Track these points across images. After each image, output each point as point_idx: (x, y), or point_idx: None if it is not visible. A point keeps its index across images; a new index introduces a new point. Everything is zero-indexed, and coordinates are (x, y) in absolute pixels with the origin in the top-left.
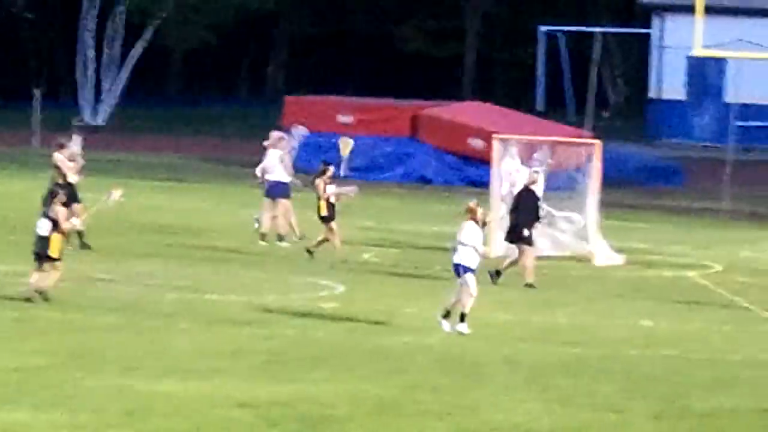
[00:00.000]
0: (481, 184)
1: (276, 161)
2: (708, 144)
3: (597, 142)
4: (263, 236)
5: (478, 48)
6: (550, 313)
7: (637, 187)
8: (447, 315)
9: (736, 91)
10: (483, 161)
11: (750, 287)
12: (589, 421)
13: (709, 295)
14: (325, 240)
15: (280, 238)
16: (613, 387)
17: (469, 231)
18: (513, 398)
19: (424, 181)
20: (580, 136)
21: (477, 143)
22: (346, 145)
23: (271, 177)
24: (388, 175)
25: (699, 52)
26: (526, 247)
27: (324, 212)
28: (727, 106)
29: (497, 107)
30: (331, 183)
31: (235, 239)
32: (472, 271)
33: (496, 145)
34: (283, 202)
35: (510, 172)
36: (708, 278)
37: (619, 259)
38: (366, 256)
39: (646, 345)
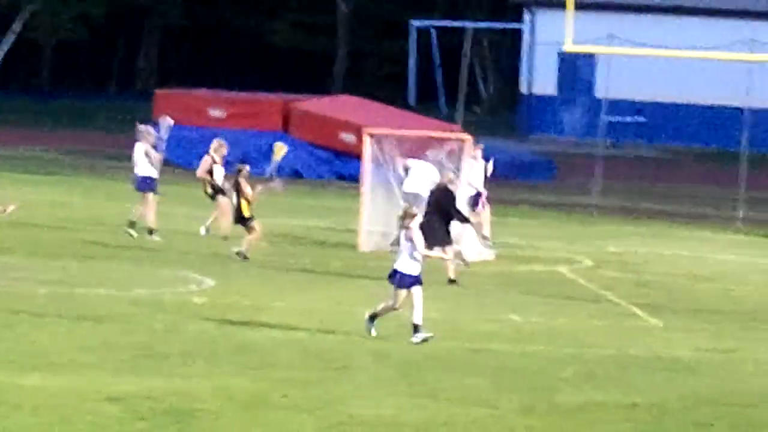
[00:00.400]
0: (353, 178)
1: (141, 155)
2: (579, 139)
3: (467, 136)
4: (150, 231)
5: (350, 42)
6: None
7: (508, 182)
8: (374, 318)
9: (606, 87)
10: (354, 156)
11: (619, 282)
12: (459, 415)
13: (578, 289)
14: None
15: (150, 231)
16: (483, 381)
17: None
18: (381, 392)
19: (296, 175)
20: (451, 131)
21: (348, 138)
22: (279, 150)
23: (137, 171)
24: (259, 169)
25: (570, 47)
26: (447, 247)
27: (247, 212)
28: (598, 101)
29: (369, 102)
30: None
31: (104, 233)
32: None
33: (367, 140)
34: (147, 196)
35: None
36: (578, 273)
37: (490, 254)
38: (236, 249)
39: (516, 339)
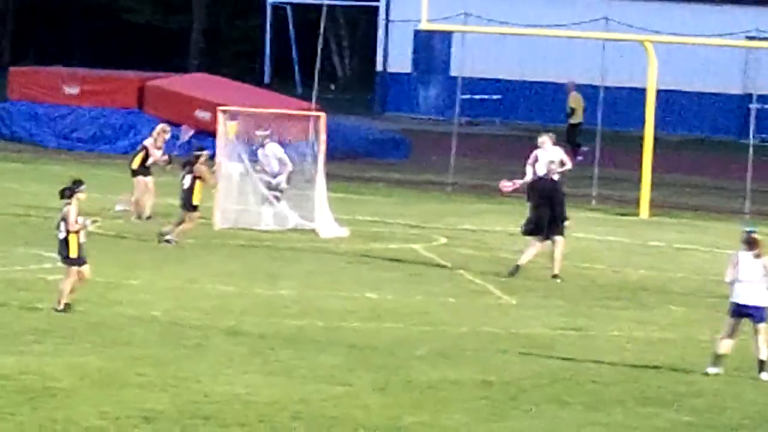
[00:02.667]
0: (208, 156)
1: None
2: (434, 117)
3: (321, 114)
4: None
5: (206, 20)
6: (273, 285)
7: (363, 160)
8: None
9: (461, 65)
10: (209, 133)
11: (473, 260)
12: (312, 393)
13: (433, 267)
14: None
15: None
16: (337, 359)
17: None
18: (235, 370)
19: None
20: (307, 109)
21: (203, 115)
22: (231, 129)
23: None
24: (114, 146)
25: (425, 26)
26: (559, 238)
27: (197, 200)
28: (453, 79)
29: (224, 79)
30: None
31: None
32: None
33: (221, 117)
34: None
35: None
36: (433, 251)
37: (344, 232)
38: (90, 227)
39: (370, 317)
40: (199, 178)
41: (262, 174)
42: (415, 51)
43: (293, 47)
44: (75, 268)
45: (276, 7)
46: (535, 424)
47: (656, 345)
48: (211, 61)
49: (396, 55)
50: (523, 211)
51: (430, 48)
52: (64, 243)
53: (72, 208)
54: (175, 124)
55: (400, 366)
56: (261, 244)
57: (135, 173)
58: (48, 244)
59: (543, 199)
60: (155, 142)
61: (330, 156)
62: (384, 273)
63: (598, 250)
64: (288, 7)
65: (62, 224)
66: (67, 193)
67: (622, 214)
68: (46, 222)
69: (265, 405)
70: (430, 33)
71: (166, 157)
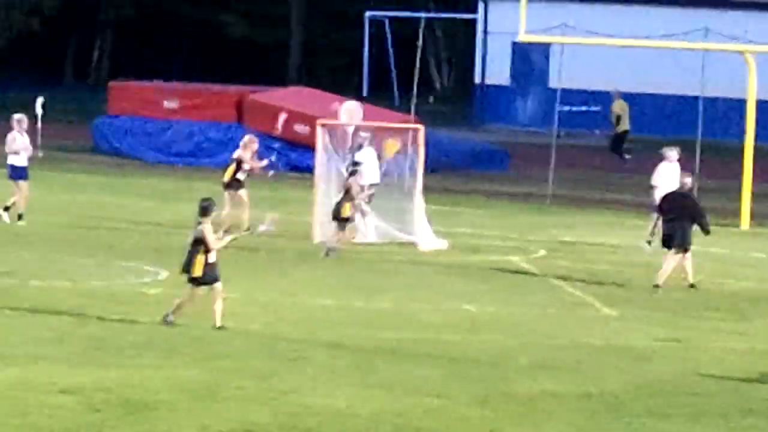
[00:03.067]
0: (306, 169)
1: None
2: (532, 129)
3: (420, 127)
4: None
5: (304, 33)
6: (372, 298)
7: (461, 173)
8: None
9: (560, 77)
10: (308, 147)
11: (572, 271)
12: (412, 406)
13: (532, 279)
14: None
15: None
16: (436, 372)
17: None
18: (335, 383)
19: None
20: (405, 122)
21: (302, 129)
22: (392, 147)
23: (14, 161)
24: (213, 160)
25: (524, 37)
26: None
27: (347, 213)
28: (551, 91)
29: (322, 92)
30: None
31: (60, 225)
32: None
33: (319, 131)
34: (21, 184)
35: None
36: (531, 263)
37: (443, 244)
38: (190, 240)
39: (469, 330)
40: (349, 194)
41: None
42: (513, 63)
43: (391, 60)
44: (216, 285)
45: (374, 20)
46: None
47: (758, 356)
48: (309, 74)
49: (494, 67)
50: (623, 222)
51: (529, 60)
52: (192, 258)
53: (208, 227)
54: (274, 138)
55: (500, 378)
56: (360, 257)
57: (227, 186)
58: (147, 257)
59: (677, 211)
60: (245, 154)
61: (428, 168)
62: (483, 285)
63: (699, 261)
64: (386, 20)
65: (193, 242)
66: (208, 211)
67: (723, 225)
68: (145, 236)
69: (366, 418)
70: (529, 45)
71: (264, 162)
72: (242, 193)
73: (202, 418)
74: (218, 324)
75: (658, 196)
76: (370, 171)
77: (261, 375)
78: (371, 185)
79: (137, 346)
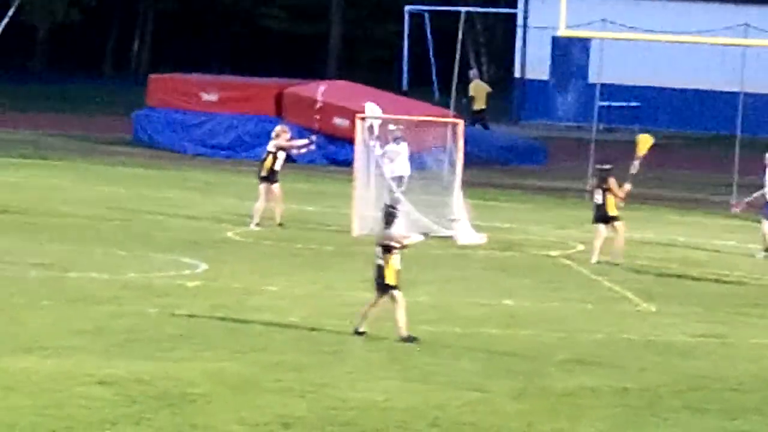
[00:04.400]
0: (346, 163)
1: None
2: (572, 124)
3: (459, 121)
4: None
5: (343, 26)
6: (410, 291)
7: (501, 167)
8: None
9: (599, 72)
10: (347, 140)
11: (612, 267)
12: (450, 399)
13: (570, 274)
14: None
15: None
16: (474, 365)
17: None
18: (373, 376)
19: (289, 159)
20: (445, 116)
21: (341, 122)
22: (645, 142)
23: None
24: (252, 152)
25: (564, 32)
26: None
27: (613, 211)
28: (591, 86)
29: (362, 86)
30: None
31: (97, 217)
32: None
33: (359, 124)
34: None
35: None
36: (570, 258)
37: (482, 238)
38: (229, 234)
39: (507, 324)
40: (609, 191)
41: (388, 168)
42: (553, 57)
43: (431, 54)
44: (396, 293)
45: (413, 14)
46: (674, 431)
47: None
48: (348, 68)
49: (534, 62)
50: (660, 218)
51: (568, 54)
52: (380, 269)
53: (393, 232)
54: (314, 131)
55: (537, 373)
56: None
57: (263, 179)
58: (186, 249)
59: None
60: (280, 142)
61: (467, 163)
62: (521, 279)
63: (737, 257)
64: (426, 14)
65: (380, 250)
66: (392, 218)
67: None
68: (183, 229)
69: (403, 411)
70: (568, 39)
71: (305, 140)
72: (276, 187)
73: (239, 411)
74: (404, 335)
75: None
76: (401, 164)
77: (298, 368)
78: (401, 177)
79: (174, 339)
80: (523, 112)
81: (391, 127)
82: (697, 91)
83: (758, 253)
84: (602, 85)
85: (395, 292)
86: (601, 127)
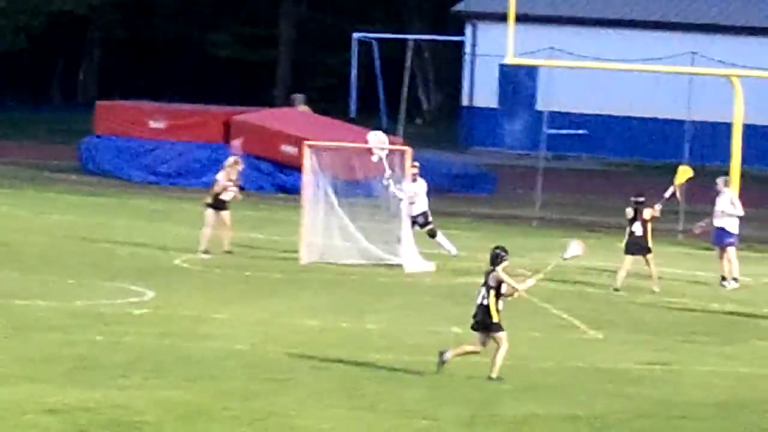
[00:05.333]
0: (294, 190)
1: None
2: (520, 152)
3: (407, 148)
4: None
5: (292, 54)
6: (359, 319)
7: (449, 195)
8: None
9: (547, 100)
10: (295, 168)
11: (559, 294)
12: (398, 427)
13: (519, 302)
14: None
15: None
16: (423, 393)
17: None
18: (321, 404)
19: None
20: (392, 144)
21: (290, 150)
22: (684, 173)
23: None
24: (199, 180)
25: (511, 60)
26: None
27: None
28: (539, 114)
29: (310, 114)
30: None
31: (46, 245)
32: None
33: (307, 152)
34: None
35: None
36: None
37: (430, 266)
38: (177, 261)
39: None
40: (648, 222)
41: (410, 208)
42: (500, 85)
43: (379, 81)
44: (501, 334)
45: (362, 42)
46: None
47: (744, 380)
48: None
49: (482, 90)
50: (608, 245)
51: (516, 82)
52: (485, 309)
53: (503, 274)
54: (262, 159)
55: (486, 400)
56: (347, 278)
57: (209, 206)
58: (134, 277)
59: None
60: (228, 174)
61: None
62: (470, 307)
63: (684, 285)
64: (374, 42)
65: (483, 290)
66: (498, 260)
67: (709, 249)
68: (131, 256)
69: None
70: (516, 67)
71: (235, 193)
72: (225, 214)
73: None
74: (494, 375)
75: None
76: (421, 201)
77: (247, 396)
78: (424, 212)
79: (122, 367)
80: (471, 140)
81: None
82: (644, 119)
83: (729, 283)
84: (550, 112)
85: (500, 334)
86: (549, 154)
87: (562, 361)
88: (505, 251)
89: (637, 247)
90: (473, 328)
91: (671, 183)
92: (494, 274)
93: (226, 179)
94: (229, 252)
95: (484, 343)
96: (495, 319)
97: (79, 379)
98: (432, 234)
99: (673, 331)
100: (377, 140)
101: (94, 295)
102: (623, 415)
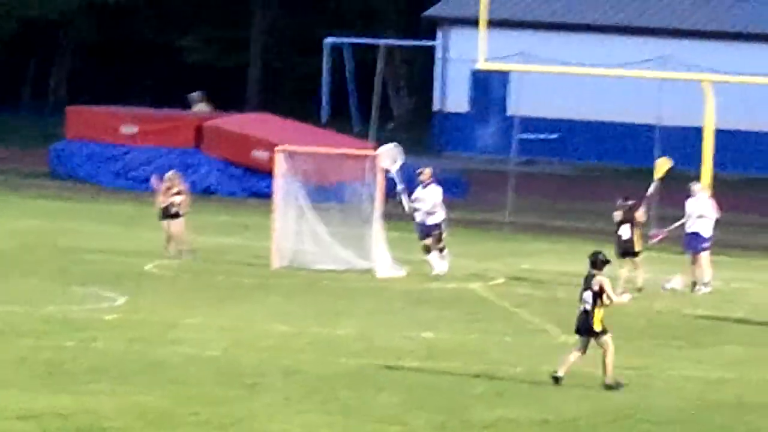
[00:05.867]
0: (266, 195)
1: None
2: (491, 157)
3: (378, 152)
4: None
5: (264, 59)
6: (330, 324)
7: None
8: None
9: (518, 105)
10: (267, 173)
11: (532, 299)
12: None
13: (491, 307)
14: None
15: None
16: (395, 399)
17: None
18: (292, 409)
19: (209, 192)
20: (364, 148)
21: (261, 155)
22: (663, 165)
23: None
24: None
25: (483, 65)
26: None
27: (638, 246)
28: (510, 119)
29: (281, 119)
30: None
31: (17, 250)
32: None
33: (279, 157)
34: None
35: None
36: (490, 290)
37: (402, 271)
38: (147, 266)
39: (427, 357)
40: (636, 225)
41: (418, 214)
42: (472, 90)
43: (350, 86)
44: (605, 338)
45: (334, 46)
46: None
47: (714, 385)
48: (268, 100)
49: (453, 94)
50: (580, 249)
51: (488, 87)
52: (587, 315)
53: (606, 280)
54: (233, 164)
55: (458, 405)
56: (318, 283)
57: (162, 218)
58: (105, 283)
59: None
60: (167, 191)
61: (387, 195)
62: (441, 312)
63: (657, 290)
64: (346, 46)
65: (587, 294)
66: (598, 264)
67: (680, 253)
68: (102, 262)
69: None
70: (488, 72)
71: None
72: (176, 222)
73: None
74: (609, 381)
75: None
76: (437, 211)
77: (217, 401)
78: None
79: (93, 372)
80: (442, 145)
81: (427, 170)
82: (615, 124)
83: (700, 288)
84: (521, 117)
85: (605, 338)
86: (521, 159)
87: (533, 366)
88: (603, 256)
89: (625, 250)
90: (577, 331)
91: (651, 181)
92: (597, 278)
93: (167, 195)
94: (184, 254)
95: (583, 349)
96: (597, 327)
97: (50, 385)
98: (428, 249)
99: (645, 336)
100: (389, 155)
101: (65, 301)
102: (594, 419)
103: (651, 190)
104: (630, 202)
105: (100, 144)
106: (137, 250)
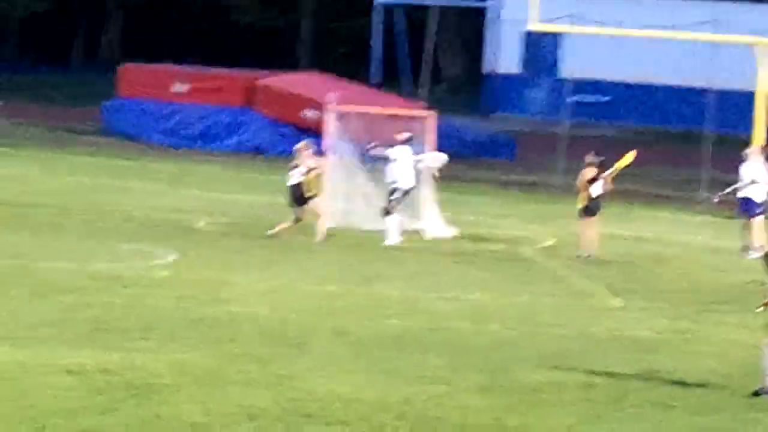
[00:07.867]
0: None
1: None
2: (542, 118)
3: (431, 113)
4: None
5: (315, 19)
6: (378, 285)
7: (470, 161)
8: None
9: (570, 67)
10: (317, 132)
11: (579, 261)
12: (416, 393)
13: (539, 269)
14: None
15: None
16: (441, 360)
17: None
18: (339, 369)
19: (258, 151)
20: (414, 109)
21: (311, 114)
22: (628, 158)
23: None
24: (222, 144)
25: (534, 26)
26: None
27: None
28: (561, 81)
29: (332, 78)
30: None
31: (66, 207)
32: None
33: (329, 117)
34: None
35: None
36: (538, 252)
37: (451, 232)
38: (199, 224)
39: (474, 318)
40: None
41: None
42: (523, 52)
43: (402, 47)
44: None
45: (385, 7)
46: (639, 427)
47: (762, 350)
48: (319, 60)
49: (505, 56)
50: (629, 213)
51: (540, 49)
52: None
53: None
54: (284, 123)
55: (504, 367)
56: (366, 244)
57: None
58: (153, 239)
59: None
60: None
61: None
62: (489, 274)
63: (704, 254)
64: (397, 7)
65: None
66: None
67: (731, 218)
68: (151, 219)
69: (368, 404)
70: (540, 34)
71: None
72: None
73: (204, 402)
74: None
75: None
76: (405, 174)
77: (264, 360)
78: (406, 190)
79: (141, 329)
80: (493, 106)
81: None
82: (666, 87)
83: (749, 253)
84: (573, 80)
85: None
86: (572, 122)
87: (581, 329)
88: None
89: (598, 208)
90: None
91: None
92: None
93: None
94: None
95: None
96: None
97: (97, 342)
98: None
99: (691, 300)
100: (438, 159)
101: (113, 258)
102: (640, 383)
103: (608, 171)
104: (601, 158)
105: (152, 102)
106: (187, 208)
